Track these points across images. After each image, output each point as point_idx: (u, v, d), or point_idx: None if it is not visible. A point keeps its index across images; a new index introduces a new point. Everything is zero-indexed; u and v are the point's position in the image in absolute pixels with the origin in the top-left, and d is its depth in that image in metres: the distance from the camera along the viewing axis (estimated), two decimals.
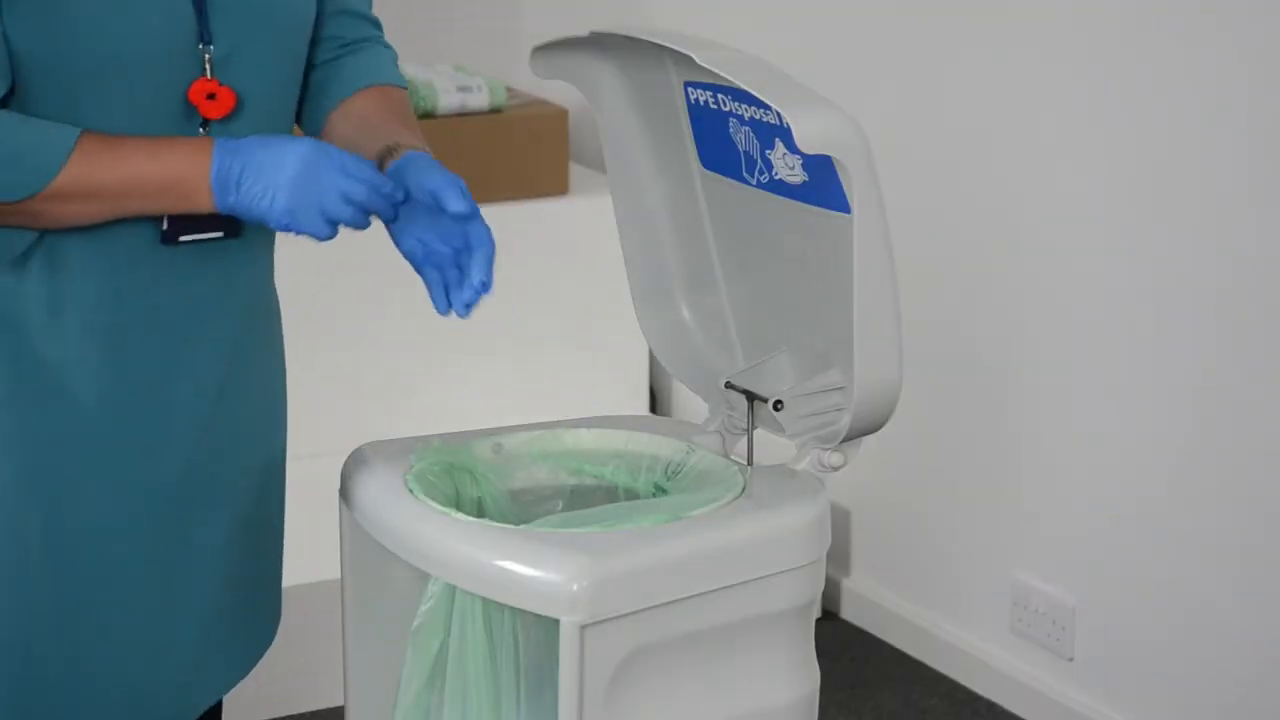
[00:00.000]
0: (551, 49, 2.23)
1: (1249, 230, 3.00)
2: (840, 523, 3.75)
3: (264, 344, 2.15)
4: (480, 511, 2.20)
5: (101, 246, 1.98)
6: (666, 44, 2.11)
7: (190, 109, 1.99)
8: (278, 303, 2.20)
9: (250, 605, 2.18)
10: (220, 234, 2.03)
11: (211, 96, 1.99)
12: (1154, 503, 3.20)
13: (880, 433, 2.16)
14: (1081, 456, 3.31)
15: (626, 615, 1.99)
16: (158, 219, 1.99)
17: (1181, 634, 3.18)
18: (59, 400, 2.00)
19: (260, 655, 2.22)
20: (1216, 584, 3.11)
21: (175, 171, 1.94)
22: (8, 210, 1.92)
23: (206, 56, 1.98)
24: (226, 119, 2.00)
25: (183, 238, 2.01)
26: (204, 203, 1.95)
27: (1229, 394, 3.06)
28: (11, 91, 1.94)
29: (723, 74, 2.03)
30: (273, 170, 1.94)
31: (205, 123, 2.00)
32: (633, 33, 2.14)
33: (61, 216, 1.94)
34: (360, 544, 2.20)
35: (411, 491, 2.13)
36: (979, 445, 3.52)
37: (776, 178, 2.13)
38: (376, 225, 2.05)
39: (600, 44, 2.22)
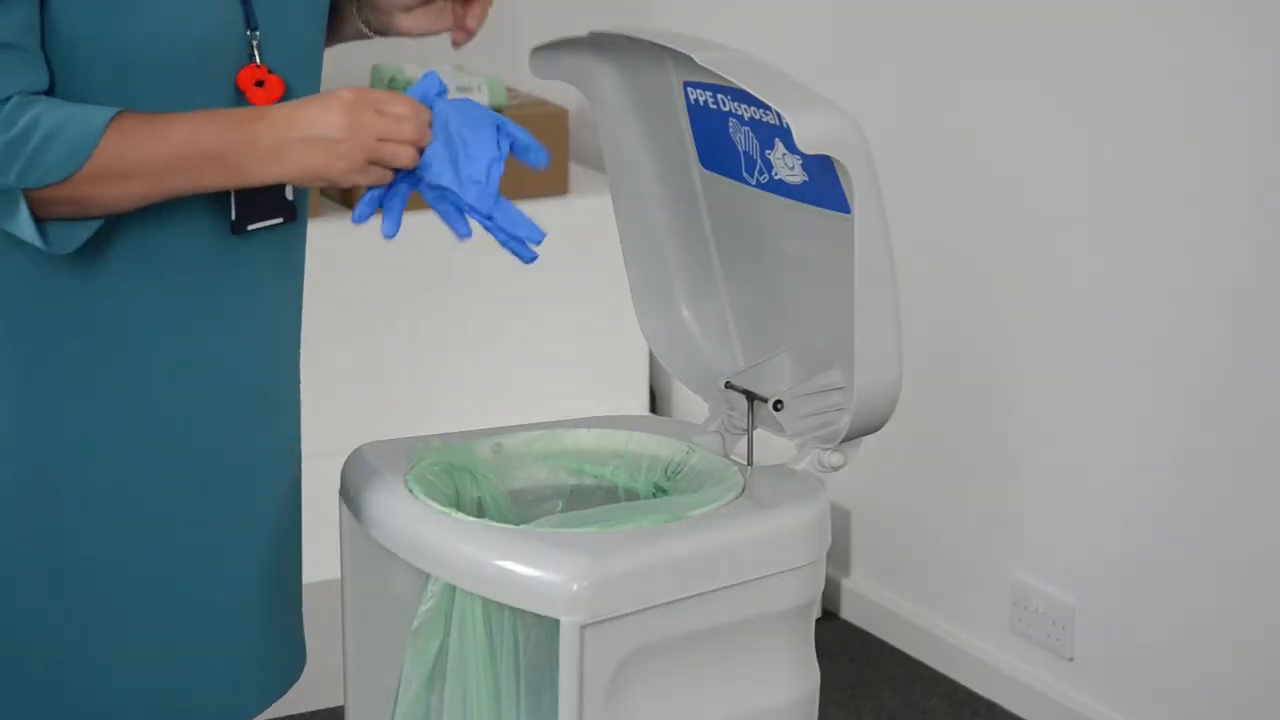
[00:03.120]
0: (551, 49, 2.23)
1: (1249, 230, 3.00)
2: (840, 523, 3.75)
3: (296, 342, 2.15)
4: (480, 511, 2.20)
5: (163, 242, 1.97)
6: (666, 44, 2.11)
7: (239, 96, 1.97)
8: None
9: (283, 620, 2.15)
10: (281, 220, 2.02)
11: (260, 84, 1.97)
12: (1154, 503, 3.20)
13: (880, 433, 2.16)
14: (1082, 456, 3.31)
15: (626, 615, 1.99)
16: (225, 210, 1.97)
17: (1181, 634, 3.18)
18: (105, 397, 1.98)
19: (293, 680, 2.18)
20: (1216, 584, 3.11)
21: (218, 142, 1.91)
22: (55, 198, 1.89)
23: (254, 42, 1.97)
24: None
25: (250, 226, 1.99)
26: (252, 174, 1.92)
27: (1229, 393, 3.06)
28: (52, 87, 1.92)
29: (723, 74, 2.03)
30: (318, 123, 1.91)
31: None
32: (632, 33, 2.14)
33: (107, 200, 1.90)
34: (360, 544, 2.20)
35: (411, 491, 2.13)
36: (979, 445, 3.51)
37: (776, 178, 2.13)
38: (372, 231, 2.04)
39: (600, 44, 2.22)
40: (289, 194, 2.01)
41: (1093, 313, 3.25)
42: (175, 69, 1.93)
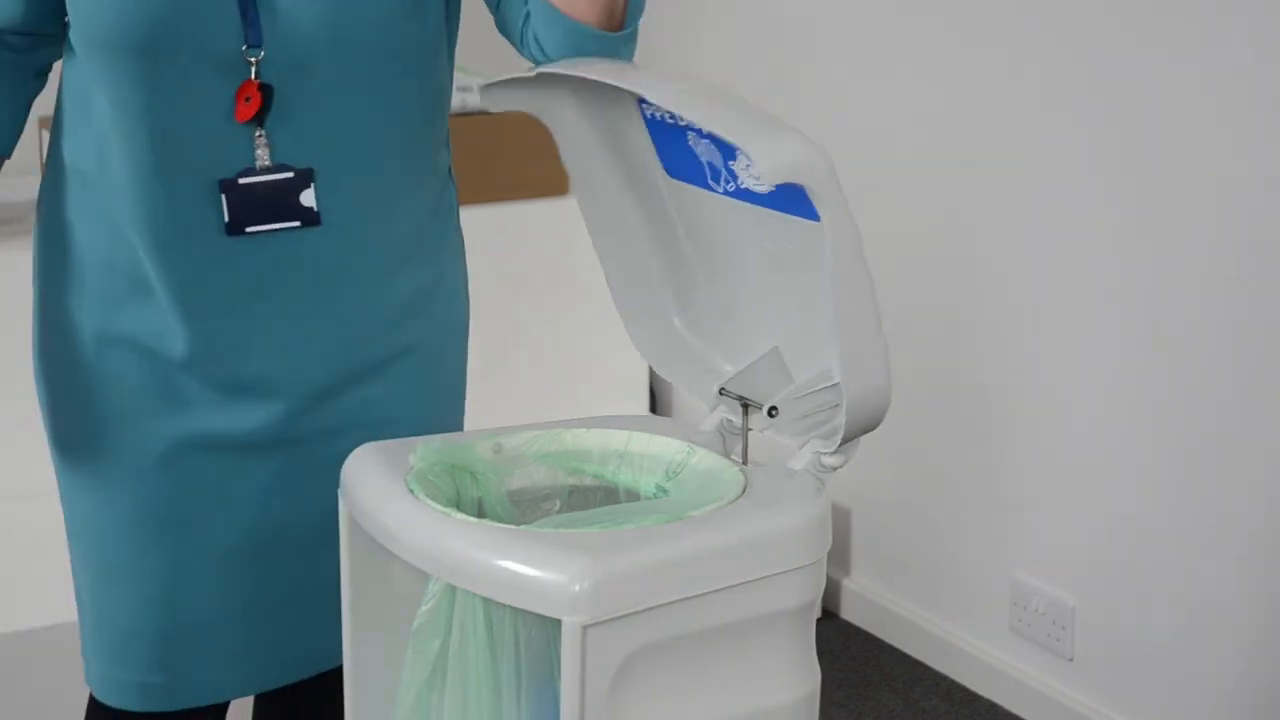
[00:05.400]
0: (501, 85, 2.24)
1: (1244, 231, 3.00)
2: (840, 523, 3.75)
3: (327, 337, 2.18)
4: (480, 511, 2.20)
5: (162, 239, 2.03)
6: (615, 83, 2.10)
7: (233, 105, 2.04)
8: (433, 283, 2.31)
9: (274, 608, 2.27)
10: (298, 223, 2.06)
11: (248, 99, 2.03)
12: (1154, 503, 3.20)
13: (881, 433, 2.16)
14: (1081, 457, 3.31)
15: (628, 615, 1.98)
16: (218, 210, 2.03)
17: (1181, 634, 3.18)
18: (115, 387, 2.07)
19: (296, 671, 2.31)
20: (1216, 584, 3.11)
21: None
22: None
23: (251, 60, 2.02)
24: (258, 121, 2.04)
25: (251, 229, 2.03)
26: None
27: (1227, 394, 3.06)
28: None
29: (677, 111, 2.03)
30: None
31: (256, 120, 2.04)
32: (580, 73, 2.13)
33: None
34: (360, 544, 2.20)
35: (411, 491, 2.13)
36: (979, 446, 3.51)
37: (743, 186, 2.12)
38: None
39: (550, 75, 2.21)
40: (305, 200, 2.05)
41: (1091, 314, 3.25)
42: (172, 71, 2.00)
